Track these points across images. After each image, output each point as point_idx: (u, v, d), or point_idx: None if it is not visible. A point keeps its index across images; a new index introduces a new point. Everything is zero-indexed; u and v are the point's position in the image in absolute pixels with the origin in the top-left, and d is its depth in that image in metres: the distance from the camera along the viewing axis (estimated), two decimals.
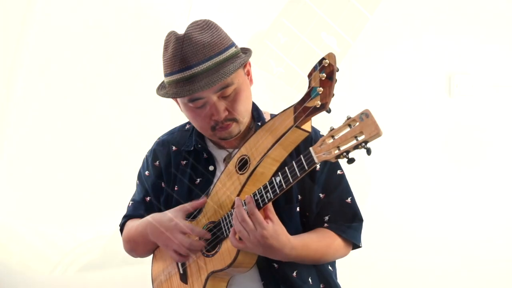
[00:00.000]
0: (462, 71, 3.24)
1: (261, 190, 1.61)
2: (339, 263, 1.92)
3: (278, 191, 1.57)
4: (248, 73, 1.79)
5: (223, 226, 1.70)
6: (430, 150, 3.25)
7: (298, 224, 1.79)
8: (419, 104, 3.25)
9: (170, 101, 1.82)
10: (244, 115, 1.76)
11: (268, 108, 1.92)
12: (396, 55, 3.24)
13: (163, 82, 1.79)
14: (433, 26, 3.23)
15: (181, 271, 1.83)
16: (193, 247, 1.73)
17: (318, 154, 1.49)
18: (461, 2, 3.22)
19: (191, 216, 1.80)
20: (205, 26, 1.69)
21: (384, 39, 3.25)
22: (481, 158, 3.24)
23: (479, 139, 3.24)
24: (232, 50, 1.70)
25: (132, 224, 1.94)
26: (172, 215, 1.77)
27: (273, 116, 1.76)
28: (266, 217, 1.61)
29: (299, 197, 1.79)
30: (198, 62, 1.65)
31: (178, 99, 1.76)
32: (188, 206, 1.77)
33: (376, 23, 3.24)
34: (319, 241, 1.76)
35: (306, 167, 1.52)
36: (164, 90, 1.75)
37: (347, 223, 1.81)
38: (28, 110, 3.28)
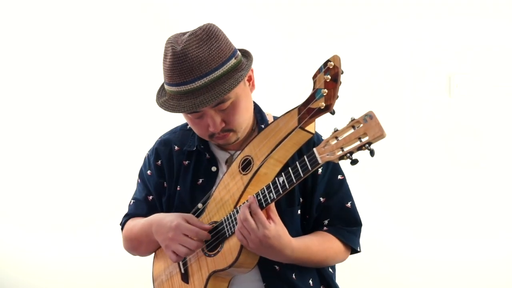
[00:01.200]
0: (462, 71, 3.24)
1: (264, 190, 1.61)
2: (338, 265, 1.92)
3: (281, 191, 1.58)
4: (250, 79, 1.77)
5: (225, 226, 1.70)
6: (430, 150, 3.25)
7: (298, 226, 1.80)
8: (419, 104, 3.25)
9: None
10: (242, 125, 1.75)
11: (271, 110, 1.93)
12: (396, 55, 3.24)
13: (163, 86, 1.78)
14: (434, 25, 3.23)
15: (183, 271, 1.83)
16: (196, 248, 1.73)
17: (321, 155, 1.49)
18: (461, 2, 3.22)
19: (194, 216, 1.81)
20: (205, 37, 1.65)
21: (384, 39, 3.25)
22: (481, 158, 3.24)
23: (479, 139, 3.24)
24: (231, 63, 1.67)
25: (135, 222, 1.94)
26: (174, 217, 1.77)
27: (275, 118, 1.77)
28: (269, 217, 1.62)
29: (301, 199, 1.80)
30: (193, 79, 1.63)
31: None
32: (189, 219, 1.76)
33: (376, 23, 3.25)
34: (319, 244, 1.77)
35: (309, 168, 1.52)
36: (163, 97, 1.74)
37: (346, 227, 1.82)
38: (25, 110, 3.27)
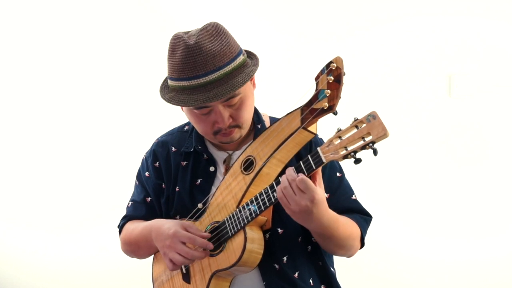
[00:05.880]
0: (462, 71, 3.25)
1: (267, 189, 1.62)
2: (338, 265, 1.92)
3: None
4: (252, 78, 1.79)
5: (228, 226, 1.70)
6: (430, 150, 3.26)
7: (298, 225, 1.80)
8: (419, 104, 3.25)
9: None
10: (248, 122, 1.77)
11: (271, 110, 1.93)
12: (396, 55, 3.25)
13: (166, 82, 1.78)
14: (433, 25, 3.24)
15: (184, 271, 1.83)
16: (193, 257, 1.72)
17: (325, 154, 1.51)
18: (461, 2, 3.22)
19: (195, 216, 1.81)
20: (215, 33, 1.68)
21: (384, 39, 3.25)
22: (481, 158, 3.25)
23: (479, 139, 3.25)
24: (240, 59, 1.70)
25: (134, 226, 1.94)
26: (173, 225, 1.76)
27: (272, 119, 1.79)
28: (314, 181, 1.59)
29: None
30: (207, 72, 1.64)
31: None
32: (188, 227, 1.74)
33: (376, 23, 3.26)
34: (344, 219, 1.74)
35: (314, 167, 1.54)
36: (169, 93, 1.73)
37: (359, 214, 1.83)
38: (25, 111, 3.27)
